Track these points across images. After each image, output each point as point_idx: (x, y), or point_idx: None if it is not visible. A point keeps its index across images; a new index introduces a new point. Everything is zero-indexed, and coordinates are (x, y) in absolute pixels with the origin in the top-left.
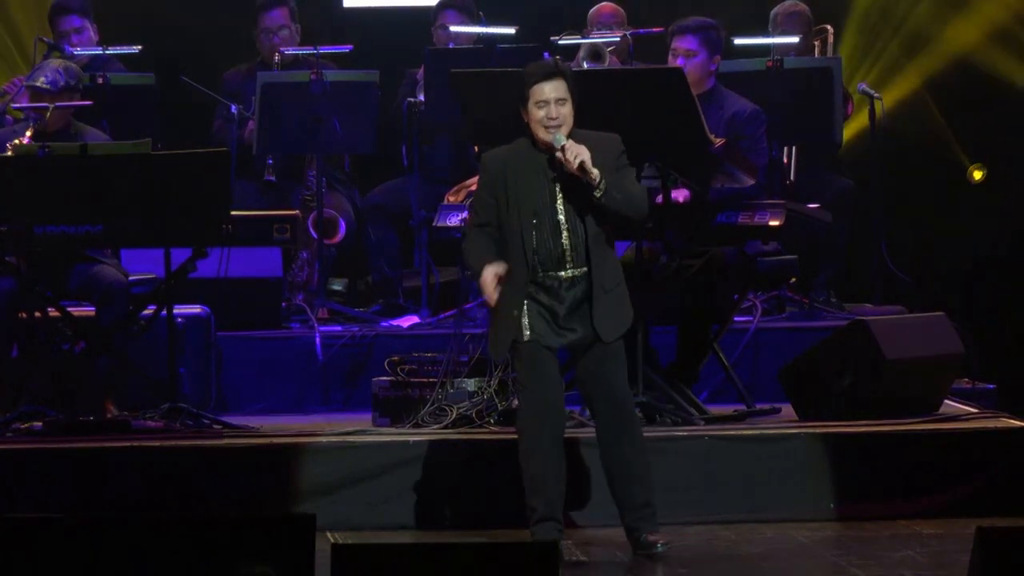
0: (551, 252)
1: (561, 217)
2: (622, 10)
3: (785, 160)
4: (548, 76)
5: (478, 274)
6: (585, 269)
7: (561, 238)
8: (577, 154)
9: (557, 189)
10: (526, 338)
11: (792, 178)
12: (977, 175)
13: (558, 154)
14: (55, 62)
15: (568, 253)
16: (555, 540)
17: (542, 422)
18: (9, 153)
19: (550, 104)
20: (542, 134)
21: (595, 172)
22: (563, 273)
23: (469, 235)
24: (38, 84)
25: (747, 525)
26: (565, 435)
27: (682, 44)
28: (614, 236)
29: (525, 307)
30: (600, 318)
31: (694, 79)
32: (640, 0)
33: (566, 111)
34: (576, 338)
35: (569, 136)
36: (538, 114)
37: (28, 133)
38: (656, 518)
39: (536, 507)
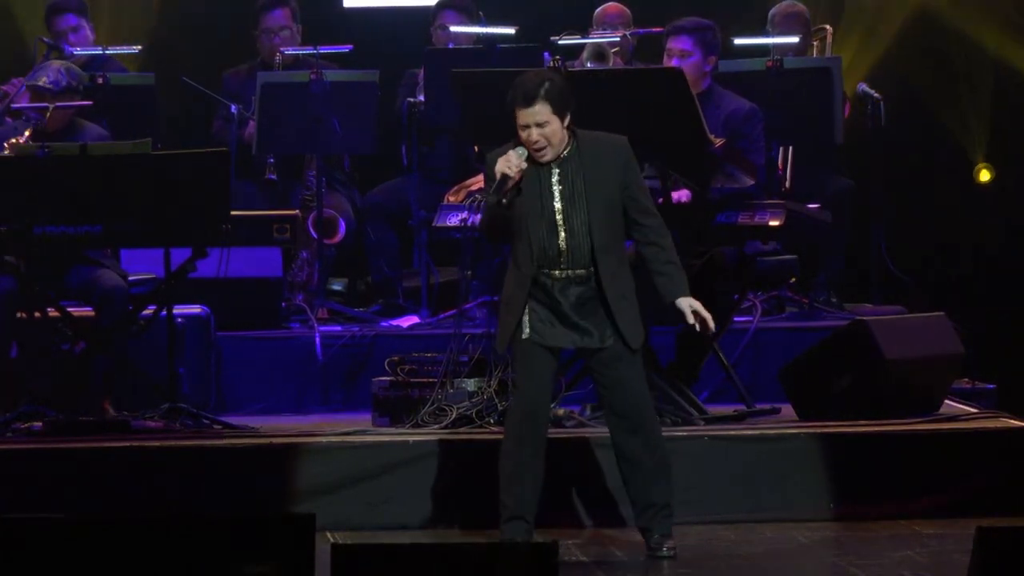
0: (547, 250)
1: (559, 217)
2: (628, 11)
3: (780, 165)
4: (526, 102)
5: (496, 190)
6: (582, 272)
7: (558, 238)
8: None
9: (557, 191)
10: (525, 335)
11: (788, 182)
12: (985, 175)
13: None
14: (56, 62)
15: (564, 254)
16: (527, 541)
17: (525, 422)
18: (7, 151)
19: (531, 128)
20: (530, 151)
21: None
22: (557, 272)
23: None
24: (40, 84)
25: (747, 525)
26: (568, 435)
27: (677, 45)
28: (623, 246)
29: (527, 305)
30: (626, 325)
31: (689, 80)
32: (643, 0)
33: (548, 131)
34: (589, 342)
35: (573, 139)
36: (521, 135)
37: (27, 133)
38: (670, 521)
39: (508, 505)
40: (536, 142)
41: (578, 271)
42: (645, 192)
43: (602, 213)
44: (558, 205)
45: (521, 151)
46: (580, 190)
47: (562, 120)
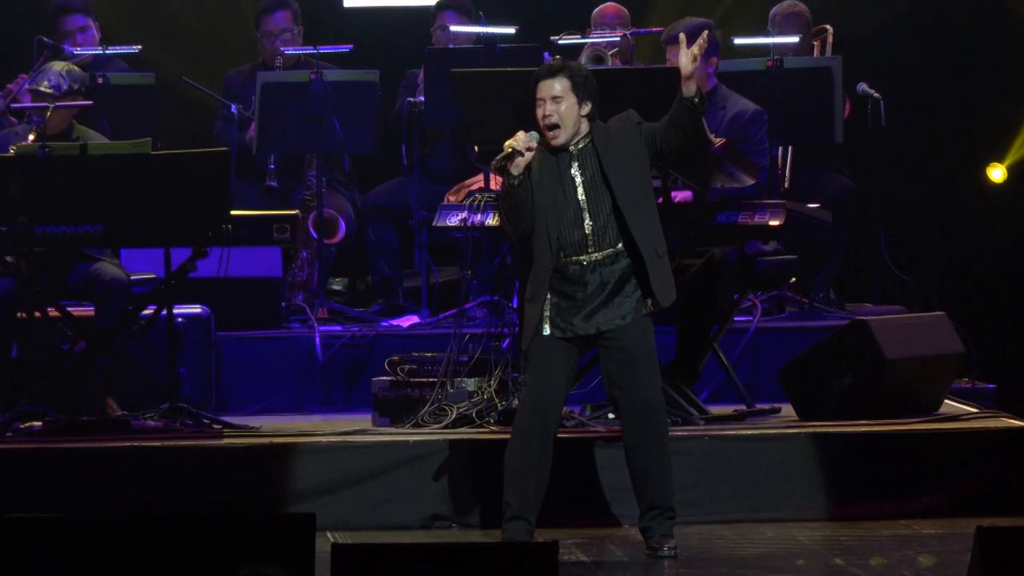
0: (571, 239)
1: (583, 205)
2: (625, 11)
3: (780, 164)
4: (547, 74)
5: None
6: (610, 250)
7: (583, 224)
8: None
9: (579, 181)
10: (545, 333)
11: (788, 181)
12: (996, 175)
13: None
14: (58, 65)
15: (590, 238)
16: (528, 541)
17: (533, 421)
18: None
19: (546, 102)
20: (542, 129)
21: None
22: (584, 257)
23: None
24: (41, 88)
25: (747, 525)
26: (568, 436)
27: None
28: (655, 207)
29: (547, 300)
30: (658, 284)
31: None
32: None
33: (563, 108)
34: (612, 321)
35: (591, 132)
36: (537, 112)
37: (31, 137)
38: (672, 523)
39: (511, 504)
40: (548, 116)
41: (606, 251)
42: (653, 125)
43: (629, 186)
44: (581, 195)
45: (533, 133)
46: (599, 174)
47: (580, 104)
